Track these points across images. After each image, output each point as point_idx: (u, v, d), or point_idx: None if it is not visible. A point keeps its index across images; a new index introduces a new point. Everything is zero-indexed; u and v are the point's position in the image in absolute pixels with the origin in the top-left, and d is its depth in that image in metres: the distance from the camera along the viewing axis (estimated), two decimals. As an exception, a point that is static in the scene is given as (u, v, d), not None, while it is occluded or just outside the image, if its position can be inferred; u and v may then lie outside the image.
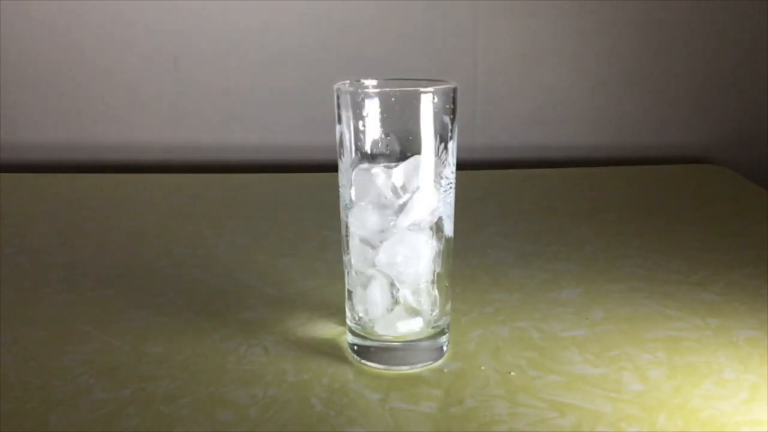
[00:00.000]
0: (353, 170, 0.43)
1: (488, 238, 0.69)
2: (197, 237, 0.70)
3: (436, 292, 0.45)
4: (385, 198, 0.42)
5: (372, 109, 0.41)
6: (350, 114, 0.42)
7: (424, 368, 0.45)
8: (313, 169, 0.95)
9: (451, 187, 0.44)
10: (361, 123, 0.42)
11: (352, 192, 0.43)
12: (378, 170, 0.42)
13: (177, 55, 0.95)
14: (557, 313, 0.52)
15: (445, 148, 0.43)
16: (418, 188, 0.42)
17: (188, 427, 0.40)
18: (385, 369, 0.45)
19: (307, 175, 0.93)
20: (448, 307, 0.46)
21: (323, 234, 0.70)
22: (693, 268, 0.60)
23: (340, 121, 0.43)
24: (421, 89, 0.41)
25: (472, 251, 0.65)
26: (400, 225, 0.42)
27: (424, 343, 0.45)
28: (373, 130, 0.42)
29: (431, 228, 0.44)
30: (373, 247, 0.43)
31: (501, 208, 0.80)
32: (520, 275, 0.59)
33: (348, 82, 0.44)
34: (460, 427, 0.39)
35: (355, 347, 0.46)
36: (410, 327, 0.44)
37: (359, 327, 0.45)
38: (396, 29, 0.95)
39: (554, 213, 0.78)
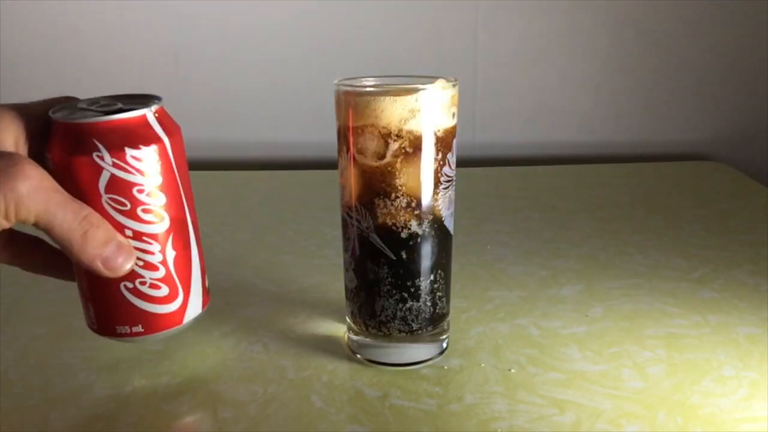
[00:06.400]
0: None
1: (488, 235, 0.69)
2: (197, 234, 0.70)
3: (435, 289, 0.45)
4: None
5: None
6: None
7: (424, 365, 0.45)
8: (313, 166, 0.95)
9: (451, 185, 0.44)
10: (360, 120, 0.42)
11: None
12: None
13: (177, 54, 0.95)
14: (557, 310, 0.52)
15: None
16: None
17: (188, 424, 0.40)
18: (384, 366, 0.45)
19: (307, 173, 0.93)
20: (448, 304, 0.46)
21: (323, 231, 0.70)
22: (693, 266, 0.60)
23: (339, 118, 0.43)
24: (421, 86, 0.41)
25: (472, 248, 0.65)
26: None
27: (424, 340, 0.45)
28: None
29: (432, 226, 0.43)
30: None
31: (501, 206, 0.80)
32: (520, 272, 0.59)
33: (348, 79, 0.44)
34: (459, 424, 0.39)
35: (355, 344, 0.46)
36: (409, 325, 0.44)
37: (359, 324, 0.45)
38: (396, 28, 0.95)
39: (554, 210, 0.78)
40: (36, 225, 0.35)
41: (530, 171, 0.94)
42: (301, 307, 0.53)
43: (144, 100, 0.40)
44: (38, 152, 0.38)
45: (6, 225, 0.34)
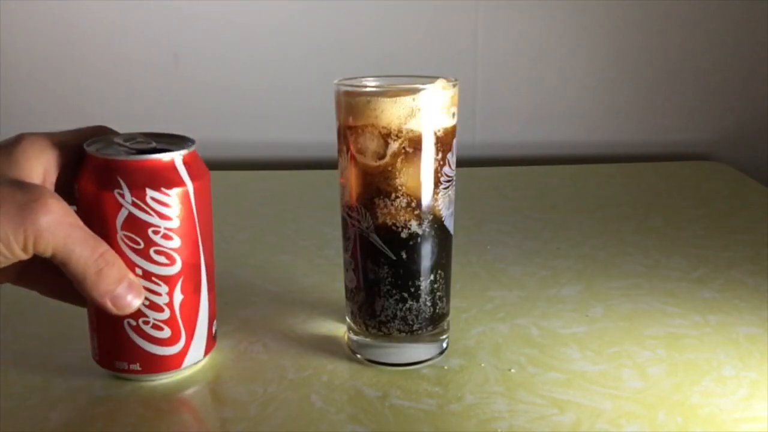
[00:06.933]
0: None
1: (488, 235, 0.69)
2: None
3: (435, 289, 0.45)
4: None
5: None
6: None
7: (424, 365, 0.45)
8: (313, 166, 0.95)
9: (451, 185, 0.44)
10: (360, 120, 0.42)
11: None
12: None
13: (177, 53, 0.95)
14: (557, 310, 0.52)
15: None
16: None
17: (188, 423, 0.40)
18: (384, 366, 0.45)
19: (307, 172, 0.93)
20: (448, 304, 0.46)
21: (323, 231, 0.70)
22: (693, 265, 0.60)
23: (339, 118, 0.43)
24: (421, 86, 0.41)
25: (472, 248, 0.65)
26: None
27: (424, 340, 0.45)
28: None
29: (432, 226, 0.44)
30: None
31: (501, 206, 0.80)
32: (520, 272, 0.59)
33: (347, 79, 0.44)
34: (459, 424, 0.39)
35: (355, 344, 0.46)
36: (409, 325, 0.44)
37: (359, 324, 0.45)
38: (396, 28, 0.95)
39: (554, 210, 0.78)
40: (52, 258, 0.35)
41: (530, 171, 0.94)
42: (301, 307, 0.53)
43: (179, 141, 0.40)
44: (68, 182, 0.38)
45: (24, 257, 0.34)
